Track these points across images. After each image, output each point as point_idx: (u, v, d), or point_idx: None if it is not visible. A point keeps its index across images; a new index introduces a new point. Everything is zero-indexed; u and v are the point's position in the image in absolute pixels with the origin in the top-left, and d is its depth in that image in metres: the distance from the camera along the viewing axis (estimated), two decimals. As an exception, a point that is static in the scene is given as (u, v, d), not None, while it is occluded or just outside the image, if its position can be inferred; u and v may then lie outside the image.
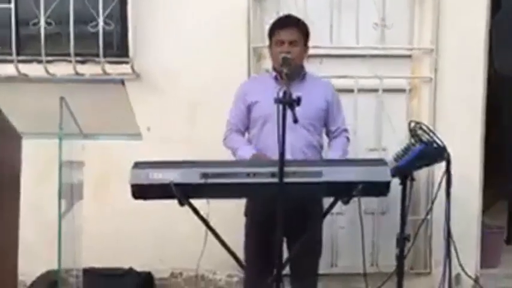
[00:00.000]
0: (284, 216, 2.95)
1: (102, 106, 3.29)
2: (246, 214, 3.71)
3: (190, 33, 4.41)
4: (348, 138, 3.80)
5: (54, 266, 3.45)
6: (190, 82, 4.40)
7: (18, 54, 4.33)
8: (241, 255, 3.55)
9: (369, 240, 4.45)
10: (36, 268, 4.22)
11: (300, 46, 3.59)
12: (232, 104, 3.74)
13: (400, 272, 3.98)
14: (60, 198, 3.25)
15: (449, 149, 3.88)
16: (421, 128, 3.91)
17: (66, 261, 3.26)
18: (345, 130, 3.80)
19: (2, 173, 2.65)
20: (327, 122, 3.72)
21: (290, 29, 3.58)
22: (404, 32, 4.52)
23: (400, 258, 3.96)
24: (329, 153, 3.67)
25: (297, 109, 2.92)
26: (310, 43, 3.72)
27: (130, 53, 4.33)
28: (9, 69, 4.29)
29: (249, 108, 3.66)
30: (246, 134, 3.74)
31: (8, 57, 4.33)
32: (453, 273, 4.16)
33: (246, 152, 3.55)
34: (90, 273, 3.92)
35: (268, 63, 3.78)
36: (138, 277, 4.40)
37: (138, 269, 4.43)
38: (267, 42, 3.69)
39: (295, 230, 3.31)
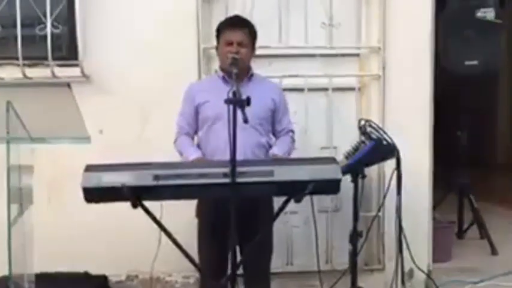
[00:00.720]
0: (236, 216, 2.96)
1: (50, 110, 3.26)
2: (198, 215, 3.71)
3: (140, 34, 4.38)
4: (293, 139, 3.81)
5: (4, 272, 3.40)
6: (141, 83, 4.37)
7: (-35, 57, 4.26)
8: (196, 256, 3.55)
9: (323, 238, 4.48)
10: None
11: (248, 47, 3.61)
12: (180, 107, 3.75)
13: (353, 269, 4.04)
14: (9, 203, 3.20)
15: (399, 146, 3.95)
16: (370, 126, 3.98)
17: (18, 266, 3.21)
18: (291, 131, 3.81)
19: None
20: (274, 122, 3.74)
21: (238, 30, 3.59)
22: (352, 31, 4.57)
23: (354, 254, 4.01)
24: (274, 149, 3.65)
25: (246, 109, 2.95)
26: (260, 43, 3.75)
27: (80, 55, 4.28)
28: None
29: (197, 110, 3.66)
30: (195, 137, 3.75)
31: (-46, 61, 4.25)
32: (406, 268, 4.24)
33: (189, 155, 3.56)
34: (44, 279, 3.86)
35: (217, 64, 3.78)
36: (94, 281, 4.37)
37: (94, 272, 4.39)
38: (215, 43, 3.70)
39: (246, 231, 3.33)
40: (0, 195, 3.28)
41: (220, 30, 3.66)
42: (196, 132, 3.72)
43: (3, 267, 3.42)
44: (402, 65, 4.53)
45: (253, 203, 3.39)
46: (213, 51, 4.01)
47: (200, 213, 3.70)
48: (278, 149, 3.63)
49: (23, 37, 4.22)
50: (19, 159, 3.31)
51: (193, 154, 3.56)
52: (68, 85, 3.22)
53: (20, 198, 3.37)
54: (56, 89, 3.38)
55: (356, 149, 3.95)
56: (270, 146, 3.70)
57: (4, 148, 3.21)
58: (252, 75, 3.70)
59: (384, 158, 4.09)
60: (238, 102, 2.92)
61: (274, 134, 3.77)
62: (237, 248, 3.27)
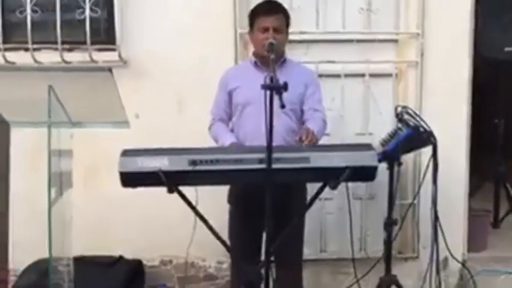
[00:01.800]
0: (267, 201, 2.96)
1: (89, 94, 3.28)
2: (230, 201, 3.72)
3: (177, 19, 4.40)
4: (323, 120, 3.68)
5: (45, 255, 3.45)
6: (178, 68, 4.39)
7: (4, 42, 4.29)
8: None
9: (357, 226, 4.48)
10: (27, 257, 4.21)
11: (283, 32, 3.59)
12: (216, 93, 3.76)
13: (388, 257, 4.01)
14: (49, 187, 3.23)
15: (436, 133, 3.91)
16: (407, 113, 3.93)
17: (56, 250, 3.25)
18: (320, 111, 3.69)
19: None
20: (304, 104, 3.67)
21: (274, 16, 3.56)
22: (390, 17, 4.51)
23: (388, 242, 3.98)
24: (307, 124, 3.55)
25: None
26: (297, 29, 3.74)
27: (117, 40, 4.31)
28: (-4, 58, 4.26)
29: (230, 95, 3.66)
30: (230, 123, 3.75)
31: (-5, 45, 4.30)
32: (441, 257, 4.18)
33: (225, 140, 3.55)
34: (80, 262, 3.91)
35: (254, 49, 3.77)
36: (129, 265, 4.39)
37: (128, 257, 4.43)
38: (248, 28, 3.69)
39: (278, 217, 3.33)
40: (41, 179, 3.32)
41: (254, 16, 3.64)
42: (230, 118, 3.72)
43: (42, 250, 3.48)
44: (440, 52, 4.48)
45: (286, 189, 3.37)
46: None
47: (232, 199, 3.71)
48: (312, 125, 3.52)
49: (62, 21, 4.26)
50: (59, 144, 3.35)
51: (229, 139, 3.56)
52: (110, 70, 3.23)
53: (60, 182, 3.41)
54: (97, 74, 3.39)
55: (392, 136, 3.91)
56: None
57: (44, 132, 3.24)
58: (285, 60, 3.68)
59: (420, 146, 4.05)
60: (275, 88, 2.90)
61: (302, 114, 3.68)
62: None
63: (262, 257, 3.42)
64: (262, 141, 2.97)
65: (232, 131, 3.68)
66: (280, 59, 3.63)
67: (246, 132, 3.55)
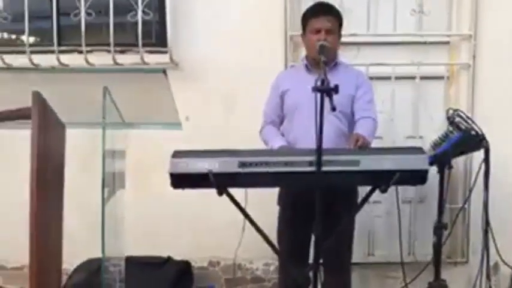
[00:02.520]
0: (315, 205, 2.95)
1: (142, 95, 3.31)
2: (279, 203, 3.72)
3: (228, 21, 4.43)
4: (374, 120, 3.63)
5: (95, 255, 3.49)
6: (228, 70, 4.41)
7: (59, 44, 4.39)
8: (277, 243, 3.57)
9: (406, 229, 4.45)
10: (77, 256, 4.31)
11: (335, 34, 3.58)
12: (268, 95, 3.77)
13: (437, 261, 3.97)
14: (103, 187, 3.27)
15: (488, 137, 3.86)
16: (459, 116, 3.90)
17: (108, 249, 3.29)
18: (370, 110, 3.64)
19: (48, 162, 2.71)
20: (355, 109, 3.64)
21: (326, 17, 3.55)
22: (442, 19, 4.47)
23: (438, 247, 3.95)
24: (356, 129, 3.53)
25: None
26: (347, 31, 3.72)
27: (169, 42, 4.36)
28: (50, 60, 4.34)
29: (282, 98, 3.67)
30: (281, 126, 3.75)
31: (50, 48, 4.39)
32: (491, 262, 4.14)
33: (275, 143, 3.56)
34: (130, 262, 3.95)
35: (305, 51, 3.77)
36: (177, 266, 4.43)
37: (177, 257, 4.47)
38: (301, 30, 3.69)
39: (328, 219, 3.32)
40: (94, 179, 3.38)
41: (306, 18, 3.63)
42: (282, 121, 3.72)
43: (92, 250, 3.54)
44: (493, 54, 4.41)
45: (336, 192, 3.35)
46: (300, 39, 4.00)
47: (282, 201, 3.71)
48: (361, 130, 3.51)
49: (114, 24, 4.33)
50: (113, 144, 3.39)
51: (278, 142, 3.57)
52: (164, 72, 3.25)
53: (113, 182, 3.45)
54: (150, 75, 3.43)
55: (443, 139, 3.88)
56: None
57: (98, 133, 3.29)
58: (336, 62, 3.66)
59: (471, 149, 4.01)
60: (326, 90, 2.89)
61: (353, 114, 3.65)
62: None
63: (311, 260, 3.41)
64: (312, 144, 2.96)
65: (283, 134, 3.69)
66: (333, 62, 3.61)
67: (296, 135, 3.55)
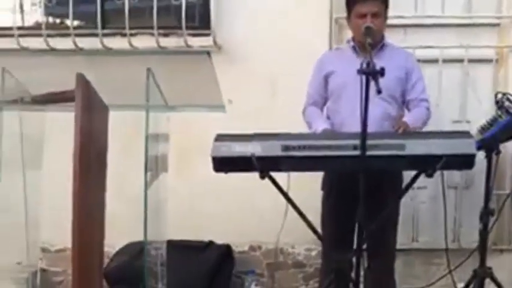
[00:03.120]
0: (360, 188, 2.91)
1: (186, 78, 3.30)
2: (323, 188, 3.69)
3: (271, 3, 4.40)
4: (427, 109, 3.68)
5: (136, 238, 3.52)
6: (272, 53, 4.39)
7: (103, 28, 4.41)
8: (319, 228, 3.54)
9: (451, 215, 4.37)
10: (119, 239, 4.34)
11: (381, 16, 3.53)
12: (311, 76, 3.73)
13: (483, 248, 3.89)
14: (146, 170, 3.28)
15: (538, 122, 3.76)
16: (508, 99, 3.79)
17: (150, 233, 3.30)
18: (425, 100, 3.68)
19: (91, 144, 2.73)
20: (405, 92, 3.64)
21: (372, 1, 3.51)
22: (491, 0, 4.37)
23: (484, 233, 3.87)
24: (405, 118, 3.57)
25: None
26: (395, 13, 3.67)
27: (212, 25, 4.35)
28: (94, 43, 4.38)
29: (326, 79, 3.64)
30: (325, 108, 3.71)
31: (93, 31, 4.42)
32: (538, 250, 4.06)
33: (318, 126, 3.53)
34: (172, 246, 3.96)
35: (350, 34, 3.72)
36: (218, 250, 4.44)
37: (218, 241, 4.48)
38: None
39: (372, 205, 3.28)
40: (137, 162, 3.39)
41: (351, 2, 3.58)
42: (325, 102, 3.69)
43: (134, 233, 3.56)
44: (545, 36, 4.29)
45: (381, 176, 3.32)
46: (345, 21, 3.95)
47: (326, 186, 3.68)
48: (408, 119, 3.53)
49: (158, 7, 4.33)
50: (156, 127, 3.40)
51: (321, 125, 3.54)
52: (208, 53, 3.24)
53: (156, 165, 3.46)
54: (194, 58, 3.43)
55: (491, 123, 3.78)
56: (400, 118, 3.60)
57: (141, 116, 3.29)
58: (383, 44, 3.62)
59: (521, 134, 3.91)
60: (372, 73, 2.84)
61: (407, 105, 3.68)
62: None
63: (355, 246, 3.38)
64: (359, 127, 2.91)
65: (327, 116, 3.66)
66: (379, 44, 3.57)
67: (342, 117, 3.52)
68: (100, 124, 2.89)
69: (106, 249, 3.51)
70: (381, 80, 2.85)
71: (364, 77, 2.85)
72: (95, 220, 2.85)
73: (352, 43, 3.63)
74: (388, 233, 3.62)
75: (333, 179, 3.61)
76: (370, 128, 3.06)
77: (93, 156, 2.76)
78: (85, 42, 4.41)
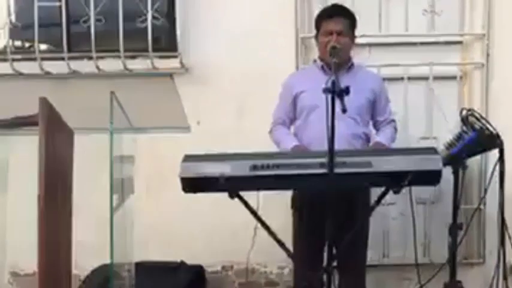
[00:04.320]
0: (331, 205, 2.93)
1: (151, 100, 3.32)
2: (293, 206, 3.70)
3: (238, 25, 4.41)
4: (395, 128, 3.76)
5: (108, 260, 3.50)
6: (239, 74, 4.41)
7: (69, 51, 4.40)
8: (291, 246, 3.53)
9: (421, 230, 4.40)
10: (90, 262, 4.28)
11: (347, 36, 3.57)
12: (279, 97, 3.75)
13: (452, 262, 3.93)
14: (112, 193, 3.27)
15: (503, 136, 3.82)
16: (473, 115, 3.86)
17: (118, 255, 3.29)
18: (393, 120, 3.76)
19: (55, 168, 2.71)
20: (374, 113, 3.69)
21: (338, 19, 3.55)
22: (454, 18, 4.43)
23: (453, 248, 3.91)
24: (378, 137, 3.64)
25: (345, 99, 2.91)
26: (359, 32, 3.70)
27: (179, 47, 4.36)
28: (60, 67, 4.36)
29: (294, 99, 3.65)
30: (292, 127, 3.73)
31: (60, 55, 4.40)
32: (508, 263, 4.08)
33: (288, 144, 3.55)
34: (142, 267, 3.95)
35: (316, 54, 3.75)
36: (190, 271, 4.40)
37: (190, 262, 4.44)
38: (314, 32, 3.67)
39: (342, 221, 3.29)
40: (103, 184, 3.37)
41: (319, 20, 3.64)
42: (292, 122, 3.71)
43: (101, 256, 3.54)
44: (507, 53, 4.37)
45: (350, 193, 3.34)
46: (311, 41, 3.99)
47: (296, 204, 3.68)
48: (381, 138, 3.61)
49: (124, 30, 4.33)
50: (121, 150, 3.39)
51: (291, 143, 3.55)
52: (170, 76, 3.27)
53: (122, 188, 3.46)
54: (158, 80, 3.44)
55: (457, 139, 3.84)
56: (368, 137, 3.66)
57: (107, 139, 3.29)
58: (352, 65, 3.65)
59: (486, 149, 3.97)
60: (336, 92, 2.87)
61: (374, 125, 3.73)
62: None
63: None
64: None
65: (295, 135, 3.67)
66: (347, 63, 3.62)
67: (311, 136, 3.53)
68: (64, 147, 2.87)
69: (77, 272, 3.49)
70: (349, 99, 2.88)
71: (329, 96, 2.88)
72: (62, 243, 2.82)
73: (320, 62, 3.66)
74: (359, 250, 3.64)
75: (303, 197, 3.61)
76: (340, 147, 3.08)
77: (58, 179, 2.74)
78: (52, 66, 4.39)
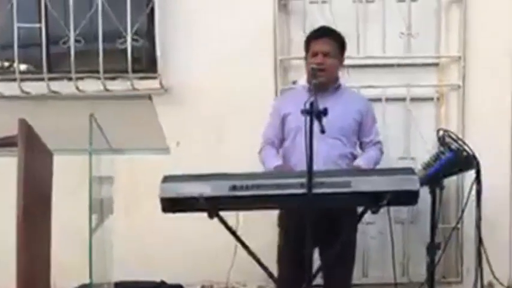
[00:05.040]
0: (316, 226, 2.94)
1: (130, 121, 3.33)
2: (280, 225, 3.72)
3: (217, 47, 4.44)
4: (381, 150, 3.79)
5: (87, 280, 3.48)
6: (218, 96, 4.42)
7: (49, 72, 4.40)
8: (271, 266, 3.53)
9: (400, 250, 4.43)
10: (70, 282, 4.24)
11: (333, 57, 3.61)
12: (269, 117, 3.78)
13: (431, 281, 3.96)
14: (90, 213, 3.28)
15: (479, 157, 3.86)
16: (449, 136, 3.90)
17: (97, 275, 3.28)
18: (378, 142, 3.79)
19: (34, 189, 2.70)
20: (360, 134, 3.72)
21: (325, 40, 3.61)
22: (431, 40, 4.49)
23: (431, 267, 3.94)
24: (357, 160, 3.65)
25: (330, 120, 2.96)
26: (337, 54, 3.73)
27: (159, 68, 4.37)
28: (40, 87, 4.36)
29: (283, 120, 3.68)
30: (281, 149, 3.75)
31: (39, 76, 4.40)
32: (485, 281, 4.12)
33: (271, 164, 3.57)
34: (122, 287, 3.93)
35: (294, 76, 3.80)
36: (170, 290, 4.41)
37: (170, 281, 4.43)
38: (292, 54, 3.71)
39: (327, 240, 3.31)
40: (83, 205, 3.37)
41: (308, 41, 3.68)
42: (282, 143, 3.73)
43: (82, 276, 3.52)
44: (483, 75, 4.43)
45: (335, 212, 3.36)
46: (290, 63, 4.02)
47: (283, 223, 3.69)
48: (361, 160, 3.62)
49: (104, 51, 4.34)
50: (100, 171, 3.40)
51: (274, 162, 3.58)
52: (149, 97, 3.29)
53: (101, 208, 3.46)
54: (137, 101, 3.46)
55: (434, 159, 3.88)
56: (355, 157, 3.68)
57: (85, 159, 3.30)
58: (339, 86, 3.69)
59: (463, 169, 4.01)
60: (314, 113, 2.91)
61: (361, 146, 3.76)
62: (317, 258, 3.32)
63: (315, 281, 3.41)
64: (315, 167, 2.98)
65: (284, 155, 3.69)
66: (333, 84, 3.65)
67: (298, 158, 3.51)
68: (43, 168, 2.86)
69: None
70: (335, 120, 2.93)
71: (308, 117, 2.91)
72: (40, 264, 2.80)
73: (307, 85, 3.67)
74: (344, 269, 3.65)
75: (287, 217, 3.63)
76: (327, 167, 3.10)
77: (37, 200, 2.73)
78: (31, 87, 4.39)
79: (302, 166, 3.41)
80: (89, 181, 3.29)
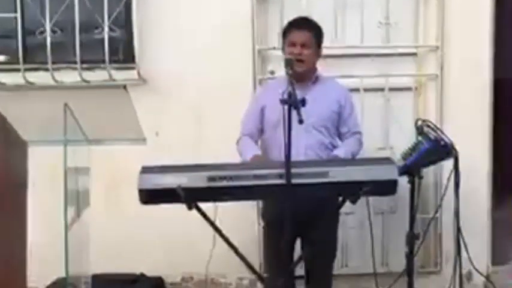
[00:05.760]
0: (296, 216, 2.96)
1: (106, 111, 3.31)
2: (263, 217, 3.72)
3: (195, 37, 4.42)
4: (359, 140, 3.77)
5: (63, 273, 3.46)
6: (196, 86, 4.41)
7: (25, 62, 4.34)
8: (250, 257, 3.50)
9: (379, 240, 4.46)
10: (47, 275, 4.23)
11: (311, 48, 3.59)
12: (248, 106, 3.77)
13: (410, 271, 3.97)
14: (66, 205, 3.25)
15: (457, 146, 3.87)
16: (428, 126, 3.91)
17: (75, 268, 3.26)
18: (358, 132, 3.77)
19: (9, 180, 2.67)
20: (339, 125, 3.70)
21: (301, 31, 3.58)
22: (409, 30, 4.50)
23: (410, 257, 3.95)
24: (335, 150, 3.63)
25: (309, 110, 2.95)
26: (315, 43, 3.72)
27: (136, 58, 4.34)
28: (16, 78, 4.31)
29: (262, 112, 3.67)
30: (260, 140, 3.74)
31: (15, 66, 4.34)
32: (464, 271, 4.15)
33: (248, 154, 3.55)
34: (100, 279, 3.92)
35: (273, 66, 3.78)
36: (150, 282, 4.41)
37: (149, 274, 4.43)
38: (270, 44, 3.69)
39: (309, 231, 3.31)
40: (59, 197, 3.34)
41: (285, 31, 3.66)
42: (261, 133, 3.72)
43: (60, 268, 3.50)
44: (461, 64, 4.46)
45: (315, 202, 3.33)
46: (268, 53, 4.00)
47: (267, 215, 3.70)
48: (339, 151, 3.59)
49: (81, 41, 4.30)
50: (76, 161, 3.36)
51: (251, 153, 3.55)
52: (124, 87, 3.26)
53: (77, 200, 3.43)
54: (113, 91, 3.42)
55: (413, 149, 3.88)
56: (335, 148, 3.66)
57: (61, 150, 3.26)
58: (317, 77, 3.68)
59: (441, 159, 4.01)
60: (292, 103, 2.89)
61: (339, 136, 3.74)
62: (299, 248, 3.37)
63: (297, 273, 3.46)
64: (294, 157, 2.99)
65: (265, 147, 3.68)
66: (312, 75, 3.64)
67: (278, 150, 3.50)
68: (18, 159, 2.84)
69: (34, 285, 3.43)
70: (315, 111, 2.91)
71: (286, 107, 2.90)
72: (15, 255, 2.78)
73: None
74: (324, 259, 3.68)
75: (269, 208, 3.64)
76: (307, 158, 3.08)
77: (13, 191, 2.70)
78: (7, 77, 4.35)
79: (282, 158, 3.42)
80: (64, 172, 3.25)
